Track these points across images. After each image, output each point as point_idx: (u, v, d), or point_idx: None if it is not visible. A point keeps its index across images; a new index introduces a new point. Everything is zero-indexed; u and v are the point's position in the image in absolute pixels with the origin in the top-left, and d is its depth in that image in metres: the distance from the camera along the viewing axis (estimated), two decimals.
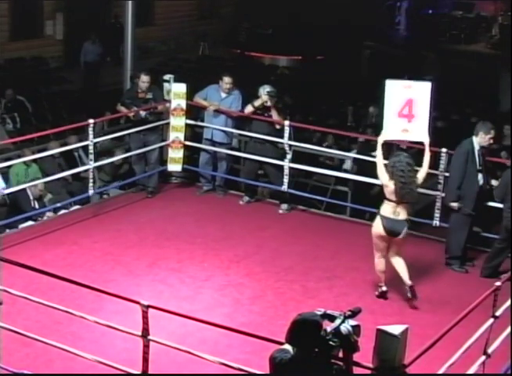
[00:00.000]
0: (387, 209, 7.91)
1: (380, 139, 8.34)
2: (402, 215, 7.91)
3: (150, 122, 10.77)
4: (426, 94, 8.49)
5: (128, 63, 13.36)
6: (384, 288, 8.19)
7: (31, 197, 10.22)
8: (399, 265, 8.06)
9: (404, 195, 7.83)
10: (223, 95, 10.86)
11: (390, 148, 8.78)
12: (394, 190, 7.85)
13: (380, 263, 8.11)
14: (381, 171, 8.00)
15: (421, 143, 8.57)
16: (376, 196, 11.14)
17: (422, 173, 8.05)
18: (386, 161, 8.06)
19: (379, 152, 8.19)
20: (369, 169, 10.93)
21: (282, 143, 10.46)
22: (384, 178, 7.96)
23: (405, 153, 8.29)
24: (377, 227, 7.96)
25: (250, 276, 8.60)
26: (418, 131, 8.49)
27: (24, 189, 10.07)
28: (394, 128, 8.54)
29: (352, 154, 11.57)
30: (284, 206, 10.55)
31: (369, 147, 12.13)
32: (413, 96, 8.49)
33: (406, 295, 8.05)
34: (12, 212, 9.97)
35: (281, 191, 10.57)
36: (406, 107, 8.49)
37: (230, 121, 10.93)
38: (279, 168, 10.54)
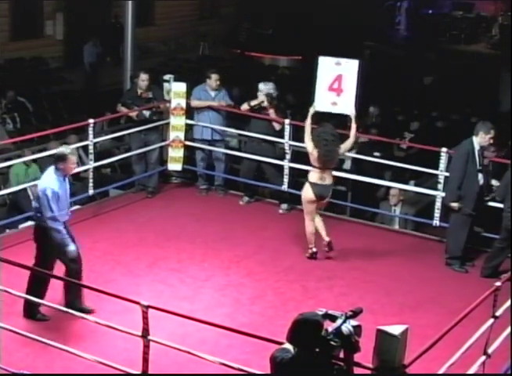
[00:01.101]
0: (315, 176, 8.69)
1: (311, 110, 9.03)
2: (327, 180, 8.71)
3: (152, 122, 10.77)
4: (354, 71, 9.12)
5: (127, 63, 13.36)
6: (314, 249, 8.96)
7: (32, 197, 10.21)
8: (319, 223, 8.89)
9: (326, 162, 8.63)
10: (212, 93, 10.88)
11: (319, 120, 9.32)
12: (318, 157, 8.61)
13: (310, 225, 8.89)
14: (308, 139, 8.75)
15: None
16: (380, 198, 11.21)
17: (347, 143, 8.83)
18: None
19: (308, 122, 8.90)
20: (368, 169, 11.01)
21: (281, 143, 10.48)
22: (309, 146, 8.71)
23: (330, 124, 8.94)
24: (308, 193, 8.75)
25: (250, 276, 8.59)
26: (346, 104, 9.16)
27: (24, 189, 10.07)
28: (324, 101, 9.17)
29: (352, 154, 11.56)
30: (284, 206, 10.56)
31: (369, 147, 12.20)
32: (343, 72, 9.13)
33: (325, 250, 8.92)
34: (13, 212, 9.96)
35: (281, 191, 10.57)
36: (336, 82, 9.13)
37: (222, 118, 10.96)
38: (277, 168, 10.54)
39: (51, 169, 7.27)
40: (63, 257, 7.19)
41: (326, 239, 8.88)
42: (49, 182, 7.16)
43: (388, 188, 10.64)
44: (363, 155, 10.96)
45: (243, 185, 11.04)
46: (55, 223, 7.10)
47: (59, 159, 7.21)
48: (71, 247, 7.14)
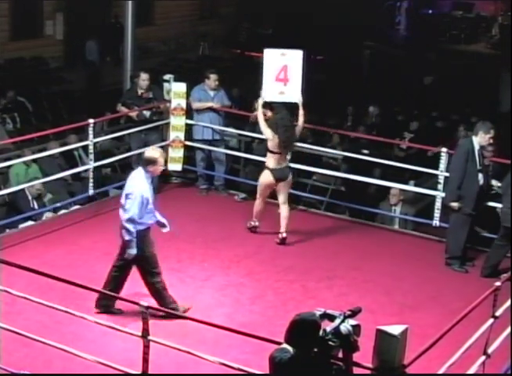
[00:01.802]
0: (272, 161, 9.14)
1: (260, 101, 9.45)
2: (284, 163, 9.18)
3: (152, 122, 10.77)
4: (298, 61, 9.53)
5: (127, 63, 13.37)
6: (257, 223, 9.57)
7: (30, 197, 10.22)
8: (283, 214, 9.32)
9: (286, 147, 9.13)
10: (211, 93, 10.89)
11: (271, 108, 9.74)
12: (278, 143, 9.04)
13: (259, 205, 9.45)
14: (264, 127, 9.18)
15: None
16: (372, 195, 11.25)
17: (298, 128, 9.28)
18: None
19: (259, 111, 9.34)
20: (360, 168, 11.06)
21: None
22: (268, 133, 9.11)
23: (285, 111, 9.32)
24: (267, 178, 9.23)
25: (250, 276, 8.59)
26: (292, 93, 9.49)
27: (23, 190, 10.07)
28: (272, 91, 9.52)
29: (342, 152, 11.59)
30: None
31: (358, 145, 12.29)
32: (288, 63, 9.51)
33: (276, 240, 9.35)
34: (11, 212, 9.97)
35: None
36: (282, 72, 9.51)
37: (222, 118, 10.97)
38: None
39: (140, 172, 7.39)
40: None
41: (283, 232, 9.31)
42: (140, 186, 7.31)
43: (379, 185, 10.69)
44: (353, 152, 11.02)
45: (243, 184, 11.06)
46: (130, 225, 7.24)
47: (150, 162, 7.34)
48: (132, 251, 7.30)
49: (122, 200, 7.43)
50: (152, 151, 7.50)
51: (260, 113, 9.34)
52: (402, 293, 8.35)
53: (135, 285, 8.17)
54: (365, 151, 12.00)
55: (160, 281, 7.46)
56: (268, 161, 9.20)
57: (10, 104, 15.11)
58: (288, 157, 9.39)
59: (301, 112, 9.37)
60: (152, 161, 7.33)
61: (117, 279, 7.51)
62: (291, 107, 9.53)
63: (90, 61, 19.45)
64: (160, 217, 7.62)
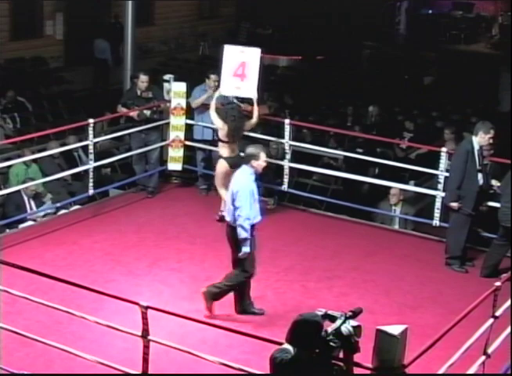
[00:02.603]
0: (226, 151, 9.53)
1: (217, 94, 9.93)
2: (236, 150, 9.48)
3: (153, 121, 10.78)
4: (256, 58, 9.95)
5: (128, 63, 13.36)
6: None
7: (25, 198, 10.21)
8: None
9: (235, 136, 9.47)
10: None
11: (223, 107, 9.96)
12: (228, 132, 9.43)
13: (223, 193, 9.45)
14: (215, 117, 9.63)
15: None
16: (366, 194, 11.28)
17: (251, 121, 9.68)
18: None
19: (213, 102, 9.77)
20: (358, 167, 11.10)
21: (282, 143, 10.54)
22: (219, 123, 9.55)
23: (236, 103, 9.88)
24: (223, 167, 9.54)
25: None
26: (248, 88, 9.92)
27: (19, 191, 10.07)
28: (229, 86, 9.98)
29: (350, 154, 11.60)
30: (271, 201, 10.60)
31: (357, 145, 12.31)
32: (246, 60, 9.95)
33: (215, 217, 9.75)
34: (7, 213, 9.98)
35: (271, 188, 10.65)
36: (240, 68, 9.95)
37: None
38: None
39: (245, 169, 7.52)
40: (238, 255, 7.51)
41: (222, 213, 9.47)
42: (247, 182, 7.46)
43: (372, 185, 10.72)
44: (348, 151, 11.08)
45: None
46: (246, 222, 7.34)
47: (252, 157, 7.48)
48: (247, 249, 7.39)
49: (228, 200, 7.56)
50: (253, 147, 7.65)
51: (212, 105, 9.72)
52: (402, 293, 8.35)
53: (133, 285, 8.18)
54: (360, 150, 12.02)
55: (250, 277, 7.60)
56: (222, 151, 9.57)
57: (10, 104, 15.11)
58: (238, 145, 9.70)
59: (255, 107, 9.72)
60: (254, 156, 7.47)
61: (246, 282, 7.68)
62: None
63: (99, 59, 19.38)
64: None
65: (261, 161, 7.51)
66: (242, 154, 9.22)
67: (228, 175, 9.34)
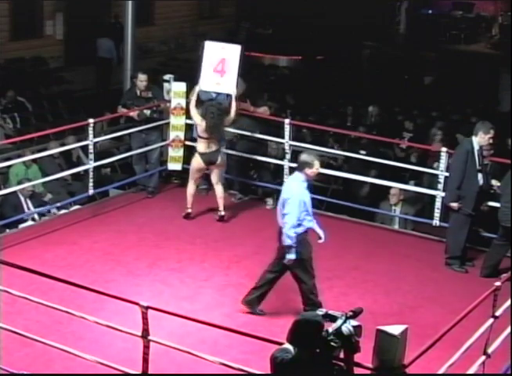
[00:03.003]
0: (202, 146, 9.72)
1: (197, 88, 10.04)
2: (213, 147, 9.67)
3: (153, 121, 10.79)
4: (236, 55, 10.13)
5: (128, 63, 13.37)
6: (189, 211, 10.00)
7: (22, 198, 10.20)
8: (218, 194, 9.91)
9: (213, 132, 9.63)
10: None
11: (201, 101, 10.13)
12: (206, 128, 9.60)
13: (191, 188, 9.96)
14: (194, 113, 9.79)
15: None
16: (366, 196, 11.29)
17: (229, 118, 9.84)
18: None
19: (193, 98, 9.91)
20: (359, 167, 11.10)
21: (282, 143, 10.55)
22: (197, 119, 9.72)
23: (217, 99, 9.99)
24: (197, 163, 9.80)
25: (250, 276, 8.56)
26: (228, 84, 10.04)
27: (15, 192, 10.07)
28: (209, 81, 10.09)
29: (351, 154, 11.59)
30: (270, 201, 10.61)
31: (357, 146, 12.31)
32: (226, 56, 10.12)
33: (215, 217, 10.00)
34: (4, 214, 9.97)
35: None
36: (220, 64, 10.10)
37: None
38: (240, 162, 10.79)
39: (298, 176, 7.49)
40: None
41: (221, 211, 9.95)
42: (298, 190, 7.42)
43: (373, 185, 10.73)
44: (351, 152, 11.07)
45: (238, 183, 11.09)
46: (291, 230, 7.35)
47: (307, 165, 7.44)
48: (292, 256, 7.43)
49: (279, 207, 7.57)
50: (307, 154, 7.63)
51: (193, 101, 9.89)
52: (402, 293, 8.35)
53: (133, 285, 8.19)
54: (363, 152, 12.01)
55: (311, 285, 7.57)
56: (198, 146, 9.79)
57: (10, 104, 15.11)
58: (223, 143, 10.00)
59: (233, 103, 9.85)
60: (308, 164, 7.42)
61: (270, 281, 7.70)
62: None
63: (103, 58, 19.35)
64: (317, 226, 7.68)
65: (315, 169, 7.45)
66: (214, 150, 9.64)
67: (202, 171, 9.93)
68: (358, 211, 10.56)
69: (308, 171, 7.41)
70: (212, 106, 9.68)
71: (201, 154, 9.71)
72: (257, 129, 10.78)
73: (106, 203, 10.62)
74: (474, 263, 9.12)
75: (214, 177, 9.91)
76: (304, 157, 7.52)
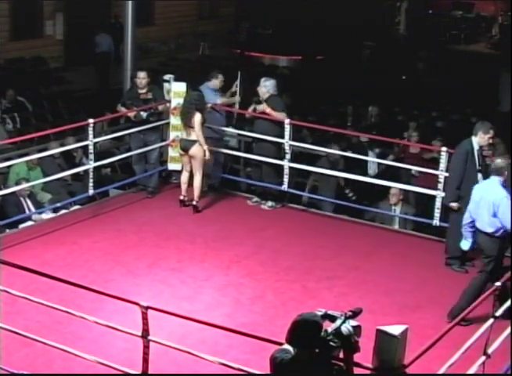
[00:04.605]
0: (184, 133, 10.24)
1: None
2: (192, 136, 10.07)
3: (151, 122, 10.78)
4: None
5: (128, 63, 13.36)
6: (182, 197, 10.33)
7: (21, 198, 10.18)
8: (196, 184, 10.17)
9: (182, 118, 10.24)
10: (216, 93, 10.91)
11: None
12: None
13: (184, 176, 10.36)
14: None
15: None
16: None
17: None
18: None
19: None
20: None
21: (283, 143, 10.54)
22: None
23: (196, 93, 10.40)
24: (178, 148, 10.39)
25: (250, 276, 8.59)
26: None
27: (14, 193, 10.06)
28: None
29: (352, 154, 11.59)
30: (268, 203, 10.58)
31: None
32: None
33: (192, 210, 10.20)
34: (6, 213, 9.97)
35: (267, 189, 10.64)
36: None
37: (223, 118, 10.99)
38: (274, 167, 10.58)
39: (496, 180, 7.81)
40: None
41: (196, 200, 10.21)
42: (503, 192, 7.72)
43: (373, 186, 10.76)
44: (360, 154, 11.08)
45: (263, 189, 10.92)
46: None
47: (503, 169, 7.78)
48: None
49: (484, 212, 7.72)
50: (501, 159, 7.91)
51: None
52: (402, 293, 8.34)
53: (133, 285, 8.19)
54: (371, 153, 12.02)
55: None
56: (181, 132, 10.41)
57: (10, 104, 15.11)
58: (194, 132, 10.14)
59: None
60: (505, 168, 7.76)
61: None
62: None
63: (101, 53, 19.35)
64: None
65: (505, 171, 7.80)
66: (190, 139, 10.05)
67: (184, 157, 10.34)
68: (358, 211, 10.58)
69: (504, 175, 7.78)
70: (190, 97, 10.22)
71: (180, 140, 10.30)
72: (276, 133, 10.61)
73: (106, 203, 10.62)
74: (474, 263, 9.10)
75: (193, 167, 10.18)
76: (499, 161, 7.86)
